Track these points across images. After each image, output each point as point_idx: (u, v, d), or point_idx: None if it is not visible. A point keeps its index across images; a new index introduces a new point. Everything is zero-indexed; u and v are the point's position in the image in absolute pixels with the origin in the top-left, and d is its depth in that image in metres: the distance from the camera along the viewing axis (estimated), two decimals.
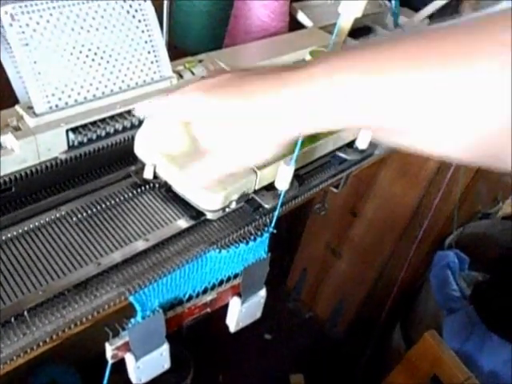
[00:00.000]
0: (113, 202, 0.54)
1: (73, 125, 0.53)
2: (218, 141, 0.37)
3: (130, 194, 0.56)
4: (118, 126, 0.56)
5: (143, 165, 0.55)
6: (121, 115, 0.57)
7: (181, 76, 0.64)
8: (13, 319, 0.43)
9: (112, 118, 0.56)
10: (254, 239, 0.56)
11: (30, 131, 0.50)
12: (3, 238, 0.48)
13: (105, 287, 0.47)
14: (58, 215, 0.52)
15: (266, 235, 0.58)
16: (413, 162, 1.18)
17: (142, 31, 0.59)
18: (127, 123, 0.57)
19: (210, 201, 0.52)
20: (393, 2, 0.93)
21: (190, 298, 0.55)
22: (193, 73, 0.65)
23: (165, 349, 0.54)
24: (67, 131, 0.53)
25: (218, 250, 0.53)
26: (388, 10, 0.98)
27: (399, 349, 1.28)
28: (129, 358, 0.51)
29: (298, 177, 0.63)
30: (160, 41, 0.61)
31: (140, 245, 0.51)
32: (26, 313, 0.43)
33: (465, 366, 0.95)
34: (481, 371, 1.03)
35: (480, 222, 1.36)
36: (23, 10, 0.50)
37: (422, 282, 1.33)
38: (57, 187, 0.55)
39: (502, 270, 1.30)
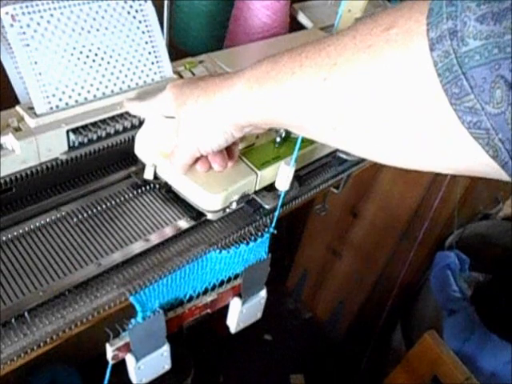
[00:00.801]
0: (113, 202, 0.54)
1: (73, 125, 0.53)
2: (186, 129, 0.46)
3: (131, 195, 0.56)
4: (119, 127, 0.56)
5: (143, 165, 0.55)
6: (121, 116, 0.57)
7: (181, 76, 0.64)
8: (13, 320, 0.43)
9: (112, 118, 0.56)
10: (255, 240, 0.56)
11: (31, 132, 0.50)
12: (4, 238, 0.48)
13: (105, 288, 0.47)
14: (58, 216, 0.52)
15: (267, 236, 0.58)
16: None
17: (143, 32, 0.59)
18: (127, 124, 0.57)
19: (211, 201, 0.52)
20: (392, 2, 0.93)
21: (191, 298, 0.55)
22: (193, 73, 0.65)
23: (165, 349, 0.54)
24: (68, 132, 0.53)
25: (218, 251, 0.53)
26: None
27: (399, 349, 1.28)
28: (129, 359, 0.51)
29: (299, 177, 0.63)
30: (160, 41, 0.61)
31: (140, 245, 0.51)
32: (26, 313, 0.43)
33: (465, 366, 0.95)
34: (481, 372, 1.03)
35: (480, 222, 1.36)
36: (24, 10, 0.50)
37: (422, 283, 1.33)
38: (57, 188, 0.55)
39: (502, 270, 1.30)
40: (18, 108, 0.52)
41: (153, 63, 0.60)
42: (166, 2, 0.67)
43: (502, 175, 0.26)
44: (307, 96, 0.34)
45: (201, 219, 0.54)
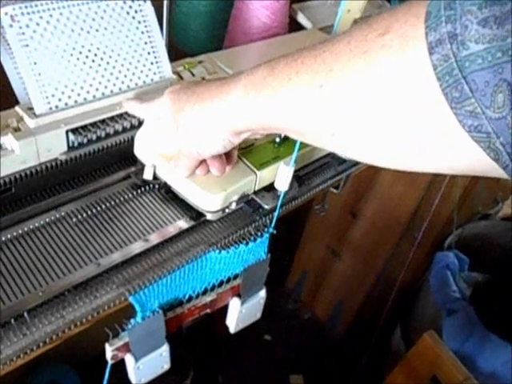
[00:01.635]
0: (113, 202, 0.54)
1: (73, 126, 0.53)
2: (185, 135, 0.47)
3: (130, 195, 0.56)
4: (118, 127, 0.56)
5: (143, 166, 0.56)
6: (121, 116, 0.57)
7: (181, 77, 0.64)
8: (12, 320, 0.43)
9: (112, 118, 0.56)
10: (254, 240, 0.56)
11: (30, 132, 0.50)
12: (3, 238, 0.48)
13: (105, 288, 0.47)
14: (57, 216, 0.52)
15: (266, 236, 0.58)
16: None
17: (142, 32, 0.59)
18: (127, 124, 0.57)
19: (210, 202, 0.52)
20: (392, 3, 0.94)
21: (190, 298, 0.55)
22: (192, 74, 0.65)
23: (165, 349, 0.54)
24: (67, 132, 0.53)
25: (217, 251, 0.54)
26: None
27: (399, 349, 1.28)
28: (129, 359, 0.51)
29: (298, 177, 0.63)
30: (160, 42, 0.61)
31: (140, 245, 0.51)
32: (25, 313, 0.43)
33: (464, 366, 0.95)
34: (480, 372, 1.03)
35: (480, 222, 1.36)
36: (23, 11, 0.51)
37: (421, 283, 1.33)
38: (57, 188, 0.55)
39: (501, 270, 1.30)
40: (17, 108, 0.52)
41: (152, 63, 0.60)
42: (165, 2, 0.67)
43: (503, 174, 0.26)
44: (304, 103, 0.34)
45: (200, 219, 0.54)
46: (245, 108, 0.40)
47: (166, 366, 0.56)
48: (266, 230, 0.58)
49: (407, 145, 0.29)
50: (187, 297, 0.55)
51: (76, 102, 0.54)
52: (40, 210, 0.52)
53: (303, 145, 0.58)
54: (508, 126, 0.23)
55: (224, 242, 0.55)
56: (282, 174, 0.55)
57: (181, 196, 0.54)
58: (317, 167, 0.67)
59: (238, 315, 0.61)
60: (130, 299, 0.47)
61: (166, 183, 0.55)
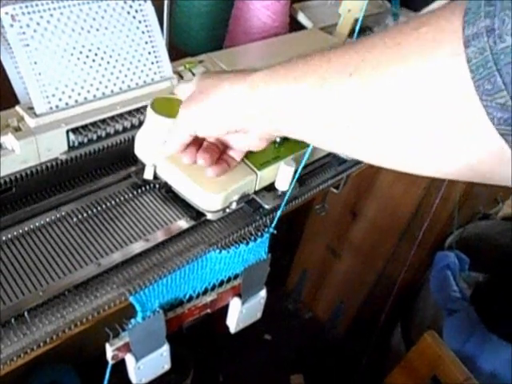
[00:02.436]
0: (113, 202, 0.54)
1: (73, 125, 0.53)
2: (195, 98, 0.46)
3: (131, 195, 0.56)
4: (119, 127, 0.56)
5: (143, 165, 0.55)
6: (121, 116, 0.57)
7: (181, 76, 0.64)
8: (13, 320, 0.43)
9: (112, 118, 0.56)
10: (255, 240, 0.56)
11: (31, 132, 0.50)
12: (3, 238, 0.48)
13: (105, 288, 0.47)
14: (58, 216, 0.52)
15: (267, 236, 0.58)
16: None
17: (143, 32, 0.59)
18: (127, 124, 0.57)
19: (211, 201, 0.52)
20: (393, 3, 0.94)
21: (191, 298, 0.55)
22: (193, 73, 0.65)
23: (165, 349, 0.54)
24: (67, 132, 0.53)
25: (218, 251, 0.54)
26: (388, 10, 0.98)
27: (399, 349, 1.28)
28: (129, 359, 0.51)
29: (298, 177, 0.63)
30: (160, 41, 0.61)
31: (140, 245, 0.51)
32: (26, 313, 0.43)
33: (465, 366, 0.95)
34: (481, 372, 1.03)
35: (480, 222, 1.36)
36: (24, 10, 0.50)
37: (422, 283, 1.33)
38: (57, 188, 0.55)
39: (502, 270, 1.30)
40: (17, 108, 0.52)
41: (152, 63, 0.60)
42: (165, 2, 0.67)
43: (508, 179, 0.27)
44: (331, 90, 0.33)
45: (201, 219, 0.54)
46: (266, 94, 0.39)
47: (167, 365, 0.56)
48: (266, 229, 0.58)
49: (424, 138, 0.29)
50: (188, 297, 0.55)
51: (76, 101, 0.54)
52: (40, 210, 0.52)
53: (303, 145, 0.58)
54: None
55: (224, 241, 0.55)
56: (282, 174, 0.55)
57: (181, 196, 0.54)
58: (317, 167, 0.67)
59: (239, 315, 0.61)
60: (131, 299, 0.47)
61: (166, 183, 0.55)
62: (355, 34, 0.62)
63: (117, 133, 0.57)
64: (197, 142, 0.50)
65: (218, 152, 0.51)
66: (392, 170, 0.34)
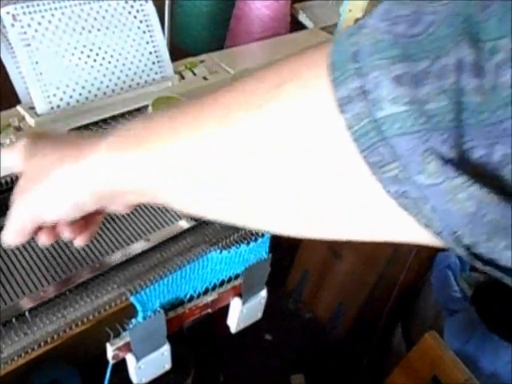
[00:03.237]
0: None
1: (74, 125, 0.53)
2: (27, 187, 0.36)
3: None
4: None
5: None
6: (122, 115, 0.57)
7: (182, 76, 0.64)
8: (14, 319, 0.43)
9: (113, 118, 0.56)
10: (255, 240, 0.56)
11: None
12: None
13: (106, 287, 0.47)
14: None
15: (267, 236, 0.58)
16: None
17: (144, 32, 0.59)
18: None
19: None
20: None
21: (191, 298, 0.55)
22: (194, 73, 0.65)
23: (166, 349, 0.54)
24: (69, 131, 0.53)
25: (219, 251, 0.53)
26: None
27: (400, 350, 1.28)
28: (130, 359, 0.50)
29: None
30: (161, 41, 0.61)
31: (141, 245, 0.51)
32: (26, 313, 0.43)
33: (465, 366, 0.95)
34: (481, 372, 1.02)
35: None
36: (25, 10, 0.51)
37: (422, 283, 1.33)
38: None
39: None
40: (18, 108, 0.52)
41: (154, 63, 0.60)
42: (167, 2, 0.67)
43: (436, 242, 0.23)
44: (190, 158, 0.28)
45: (201, 219, 0.54)
46: (113, 166, 0.31)
47: (167, 365, 0.56)
48: None
49: (328, 213, 0.25)
50: (188, 296, 0.54)
51: (77, 101, 0.54)
52: None
53: None
54: (442, 192, 0.20)
55: (225, 241, 0.55)
56: None
57: None
58: None
59: (239, 315, 0.61)
60: (131, 299, 0.47)
61: None
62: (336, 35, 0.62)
63: None
64: None
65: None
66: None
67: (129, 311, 0.48)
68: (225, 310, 0.61)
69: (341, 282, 1.54)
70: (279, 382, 1.51)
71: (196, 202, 0.31)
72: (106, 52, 0.56)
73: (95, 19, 0.55)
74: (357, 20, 0.84)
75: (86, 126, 0.54)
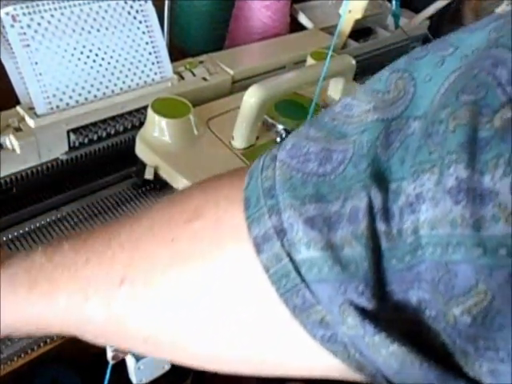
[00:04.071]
0: (114, 202, 0.54)
1: (74, 126, 0.53)
2: None
3: (131, 195, 0.56)
4: (119, 127, 0.56)
5: (144, 165, 0.55)
6: (122, 116, 0.57)
7: (182, 77, 0.64)
8: None
9: (113, 118, 0.56)
10: None
11: (31, 132, 0.50)
12: (4, 238, 0.48)
13: None
14: (58, 216, 0.52)
15: None
16: None
17: (143, 32, 0.59)
18: (128, 124, 0.57)
19: None
20: (393, 4, 0.94)
21: None
22: (193, 74, 0.65)
23: None
24: (68, 132, 0.53)
25: None
26: (389, 11, 0.98)
27: None
28: (129, 359, 0.50)
29: None
30: (161, 42, 0.61)
31: None
32: None
33: None
34: None
35: None
36: (24, 11, 0.51)
37: None
38: (58, 188, 0.55)
39: None
40: (18, 108, 0.52)
41: (153, 63, 0.60)
42: (166, 3, 0.67)
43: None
44: (99, 303, 0.25)
45: None
46: (14, 305, 0.27)
47: (167, 366, 0.56)
48: None
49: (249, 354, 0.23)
50: None
51: (77, 101, 0.54)
52: (41, 210, 0.52)
53: None
54: (365, 343, 0.18)
55: None
56: None
57: None
58: None
59: None
60: None
61: (167, 183, 0.55)
62: (334, 40, 0.62)
63: (117, 133, 0.57)
64: None
65: None
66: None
67: None
68: None
69: None
70: (278, 381, 1.51)
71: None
72: (105, 52, 0.56)
73: (94, 20, 0.55)
74: (357, 21, 0.83)
75: (86, 127, 0.54)
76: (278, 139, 0.59)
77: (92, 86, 0.55)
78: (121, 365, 0.50)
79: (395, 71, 0.20)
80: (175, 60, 0.65)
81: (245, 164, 0.55)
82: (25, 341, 0.42)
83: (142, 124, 0.56)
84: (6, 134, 0.49)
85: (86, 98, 0.55)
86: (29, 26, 0.51)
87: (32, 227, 0.50)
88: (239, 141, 0.56)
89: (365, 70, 0.75)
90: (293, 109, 0.62)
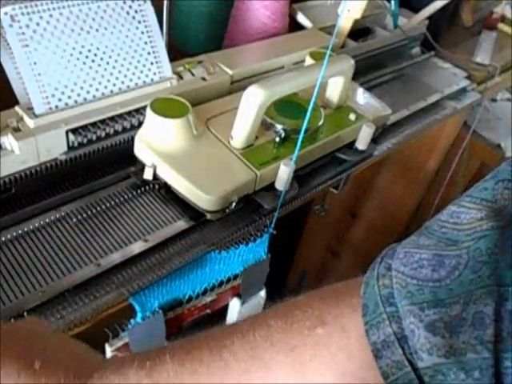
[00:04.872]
0: (113, 202, 0.54)
1: (73, 126, 0.53)
2: None
3: (130, 195, 0.56)
4: (118, 127, 0.56)
5: (143, 166, 0.55)
6: (121, 116, 0.57)
7: (181, 77, 0.64)
8: (12, 320, 0.43)
9: (112, 118, 0.56)
10: (254, 240, 0.56)
11: (30, 132, 0.50)
12: (3, 238, 0.48)
13: (105, 288, 0.47)
14: (57, 216, 0.52)
15: (266, 236, 0.58)
16: (412, 162, 1.18)
17: (142, 32, 0.59)
18: (127, 124, 0.57)
19: (210, 202, 0.52)
20: (392, 3, 0.94)
21: (190, 298, 0.55)
22: (192, 74, 0.65)
23: None
24: (67, 132, 0.53)
25: (217, 251, 0.54)
26: (387, 11, 0.98)
27: None
28: None
29: (298, 178, 0.63)
30: (160, 41, 0.61)
31: (140, 246, 0.51)
32: (25, 313, 0.43)
33: None
34: None
35: None
36: (23, 10, 0.50)
37: None
38: (57, 188, 0.55)
39: None
40: (17, 108, 0.52)
41: (152, 63, 0.60)
42: (165, 2, 0.67)
43: None
44: None
45: (200, 219, 0.54)
46: None
47: None
48: (265, 230, 0.58)
49: None
50: (187, 297, 0.55)
51: (76, 101, 0.54)
52: (40, 210, 0.52)
53: (304, 145, 0.58)
54: None
55: (224, 242, 0.55)
56: (282, 174, 0.55)
57: (181, 196, 0.54)
58: (317, 167, 0.67)
59: (238, 315, 0.61)
60: (130, 299, 0.47)
61: (166, 183, 0.55)
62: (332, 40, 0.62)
63: (116, 133, 0.57)
64: None
65: None
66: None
67: (127, 312, 0.48)
68: (224, 310, 0.61)
69: (339, 281, 1.54)
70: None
71: None
72: (104, 52, 0.56)
73: (93, 19, 0.55)
74: (356, 21, 0.83)
75: (85, 127, 0.54)
76: (278, 139, 0.59)
77: (91, 85, 0.55)
78: None
79: (501, 181, 0.21)
80: (174, 60, 0.65)
81: (244, 164, 0.55)
82: None
83: (140, 124, 0.56)
84: (4, 135, 0.49)
85: (84, 98, 0.55)
86: (27, 25, 0.51)
87: (31, 227, 0.50)
88: (238, 141, 0.56)
89: (364, 69, 0.75)
90: (292, 109, 0.62)
